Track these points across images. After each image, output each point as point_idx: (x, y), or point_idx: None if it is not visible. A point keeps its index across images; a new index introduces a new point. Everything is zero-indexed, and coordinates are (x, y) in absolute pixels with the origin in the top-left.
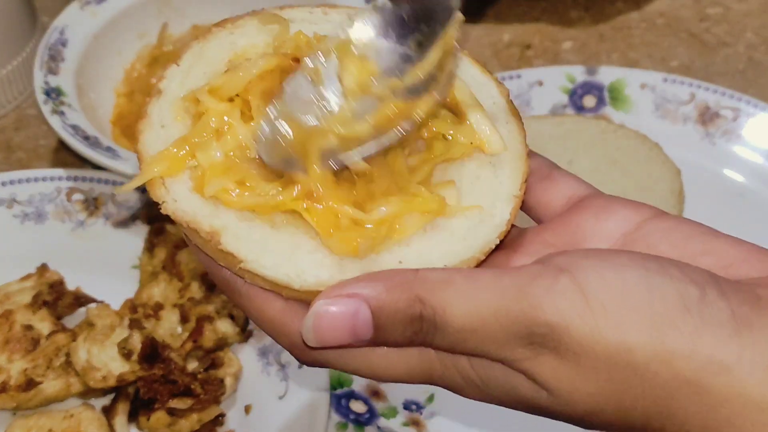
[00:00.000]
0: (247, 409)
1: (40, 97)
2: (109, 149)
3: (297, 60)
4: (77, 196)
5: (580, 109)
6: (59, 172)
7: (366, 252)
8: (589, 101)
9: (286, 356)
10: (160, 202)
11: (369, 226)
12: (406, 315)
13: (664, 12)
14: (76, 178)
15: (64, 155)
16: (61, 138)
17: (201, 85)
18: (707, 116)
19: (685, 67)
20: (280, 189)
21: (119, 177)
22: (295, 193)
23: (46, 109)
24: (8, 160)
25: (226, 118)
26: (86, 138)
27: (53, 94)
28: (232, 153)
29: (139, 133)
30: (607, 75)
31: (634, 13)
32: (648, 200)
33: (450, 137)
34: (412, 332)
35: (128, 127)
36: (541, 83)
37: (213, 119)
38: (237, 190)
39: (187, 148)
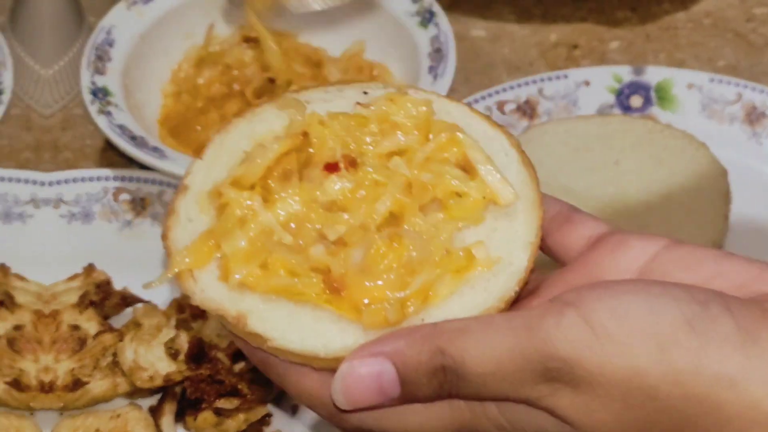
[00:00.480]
0: (294, 409)
1: (87, 97)
2: (156, 149)
3: (306, 134)
4: (124, 196)
5: (627, 109)
6: (106, 172)
7: (396, 322)
8: (636, 101)
9: None
10: (189, 294)
11: (401, 294)
12: (429, 367)
13: (711, 12)
14: (123, 178)
15: (111, 155)
16: (108, 138)
17: (223, 176)
18: (754, 116)
19: (732, 67)
20: (303, 279)
21: (166, 177)
22: (317, 285)
23: (92, 108)
24: (55, 159)
25: (248, 205)
26: (133, 138)
27: (100, 94)
28: (256, 239)
29: (167, 229)
30: (654, 75)
31: (680, 14)
32: (695, 200)
33: (462, 194)
34: (437, 384)
35: (175, 127)
36: (588, 83)
37: (236, 209)
38: (260, 275)
39: (213, 240)
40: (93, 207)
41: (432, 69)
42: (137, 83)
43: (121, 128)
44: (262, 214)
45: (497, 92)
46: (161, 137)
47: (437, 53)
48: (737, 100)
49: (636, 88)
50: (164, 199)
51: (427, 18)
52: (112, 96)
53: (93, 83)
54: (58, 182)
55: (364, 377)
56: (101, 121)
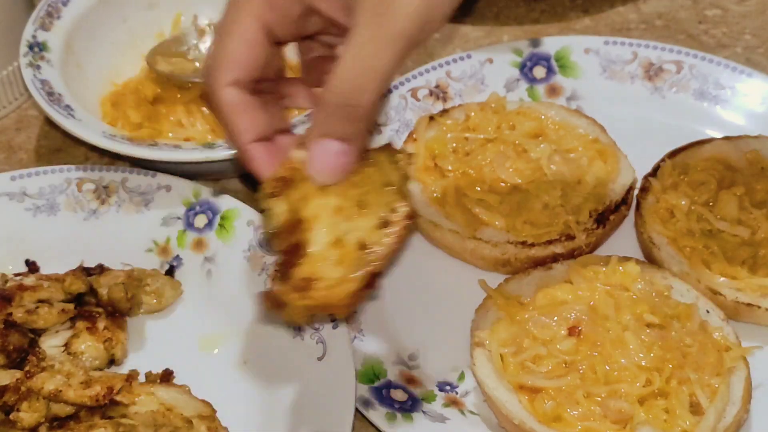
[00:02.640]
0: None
1: (23, 49)
2: (67, 107)
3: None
4: (88, 186)
5: (532, 80)
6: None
7: None
8: (539, 72)
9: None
10: None
11: None
12: None
13: (663, 14)
14: (85, 168)
15: (66, 156)
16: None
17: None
18: (652, 71)
19: None
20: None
21: (128, 166)
22: None
23: (23, 61)
24: (9, 160)
25: None
26: (50, 94)
27: (36, 48)
28: None
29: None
30: (551, 45)
31: (632, 15)
32: None
33: None
34: None
35: (120, 95)
36: (491, 61)
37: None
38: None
39: None
40: (57, 199)
41: None
42: (84, 44)
43: (43, 83)
44: None
45: (408, 80)
46: (102, 102)
47: None
48: (633, 58)
49: (537, 59)
50: (128, 186)
51: None
52: (49, 52)
53: (33, 37)
54: (21, 176)
55: None
56: (26, 74)
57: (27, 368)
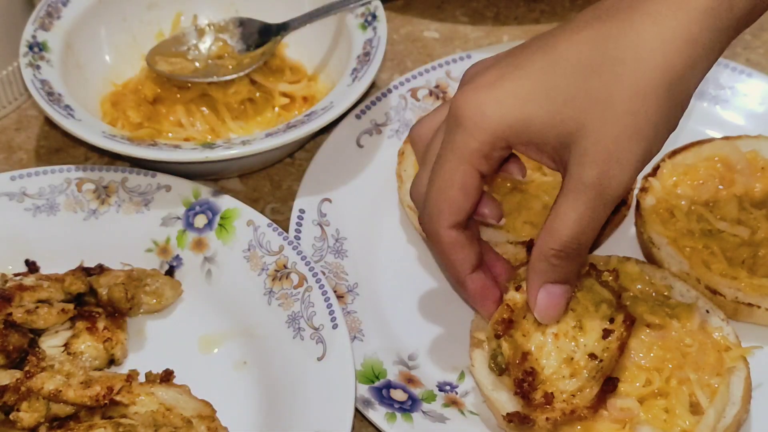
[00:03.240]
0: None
1: (23, 49)
2: (67, 107)
3: None
4: (87, 186)
5: None
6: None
7: None
8: None
9: (318, 319)
10: None
11: None
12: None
13: None
14: (85, 168)
15: (66, 156)
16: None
17: None
18: None
19: None
20: None
21: (128, 166)
22: None
23: (23, 61)
24: (9, 160)
25: None
26: (50, 94)
27: (36, 48)
28: None
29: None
30: None
31: None
32: None
33: None
34: None
35: (120, 95)
36: None
37: None
38: None
39: None
40: (57, 199)
41: (354, 71)
42: (84, 44)
43: (42, 83)
44: None
45: (408, 80)
46: (102, 102)
47: (365, 57)
48: None
49: None
50: (128, 186)
51: (368, 21)
52: (49, 52)
53: (33, 37)
54: (20, 176)
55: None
56: (26, 74)
57: (27, 368)
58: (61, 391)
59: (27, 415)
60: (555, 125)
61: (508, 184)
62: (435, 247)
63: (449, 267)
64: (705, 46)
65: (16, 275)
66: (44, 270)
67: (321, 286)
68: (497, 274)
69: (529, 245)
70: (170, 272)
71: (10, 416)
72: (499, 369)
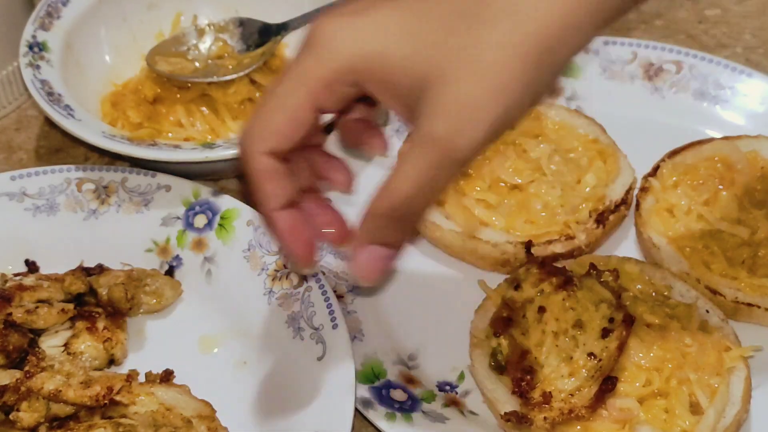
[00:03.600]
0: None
1: (23, 49)
2: (67, 107)
3: None
4: (87, 186)
5: None
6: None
7: None
8: None
9: (318, 319)
10: None
11: None
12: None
13: (663, 14)
14: (85, 168)
15: (65, 156)
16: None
17: None
18: (652, 71)
19: None
20: None
21: (128, 166)
22: None
23: (23, 61)
24: (9, 160)
25: None
26: (50, 94)
27: (36, 48)
28: None
29: None
30: None
31: (632, 15)
32: None
33: None
34: None
35: (120, 95)
36: None
37: None
38: None
39: None
40: (57, 198)
41: None
42: (84, 44)
43: (42, 83)
44: None
45: None
46: (102, 102)
47: None
48: (633, 58)
49: None
50: (128, 186)
51: None
52: (49, 52)
53: (33, 37)
54: (20, 176)
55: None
56: (26, 74)
57: (27, 368)
58: (61, 391)
59: (27, 415)
60: (413, 67)
61: (509, 184)
62: (245, 174)
63: (258, 198)
64: (588, 8)
65: (15, 275)
66: (44, 270)
67: (321, 286)
68: (319, 223)
69: (528, 245)
70: (170, 272)
71: (10, 416)
72: (500, 368)
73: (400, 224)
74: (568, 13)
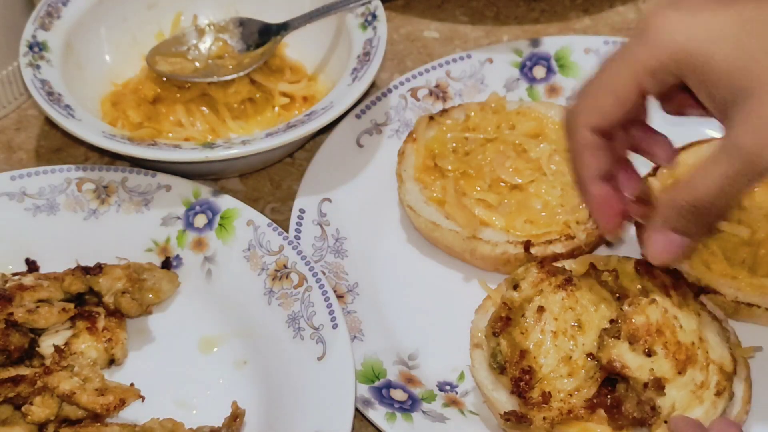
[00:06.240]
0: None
1: (23, 49)
2: (67, 107)
3: None
4: (87, 186)
5: (532, 80)
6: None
7: None
8: (539, 72)
9: (318, 319)
10: None
11: None
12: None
13: None
14: (85, 168)
15: (66, 156)
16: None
17: None
18: None
19: None
20: None
21: (128, 166)
22: None
23: (23, 60)
24: (9, 160)
25: None
26: (50, 94)
27: (36, 48)
28: None
29: None
30: (551, 45)
31: (632, 15)
32: None
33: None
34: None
35: (120, 95)
36: (491, 60)
37: None
38: None
39: None
40: (57, 198)
41: (354, 71)
42: (84, 44)
43: (42, 83)
44: None
45: (408, 80)
46: (102, 102)
47: (365, 56)
48: None
49: (537, 59)
50: (128, 185)
51: (368, 21)
52: (49, 51)
53: (33, 37)
54: (20, 176)
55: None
56: (26, 74)
57: (48, 364)
58: (75, 393)
59: (39, 409)
60: (734, 75)
61: (509, 184)
62: (568, 144)
63: (577, 168)
64: None
65: (14, 275)
66: (44, 270)
67: (321, 286)
68: (629, 193)
69: (527, 245)
70: (166, 264)
71: (22, 408)
72: (500, 367)
73: (699, 218)
74: None
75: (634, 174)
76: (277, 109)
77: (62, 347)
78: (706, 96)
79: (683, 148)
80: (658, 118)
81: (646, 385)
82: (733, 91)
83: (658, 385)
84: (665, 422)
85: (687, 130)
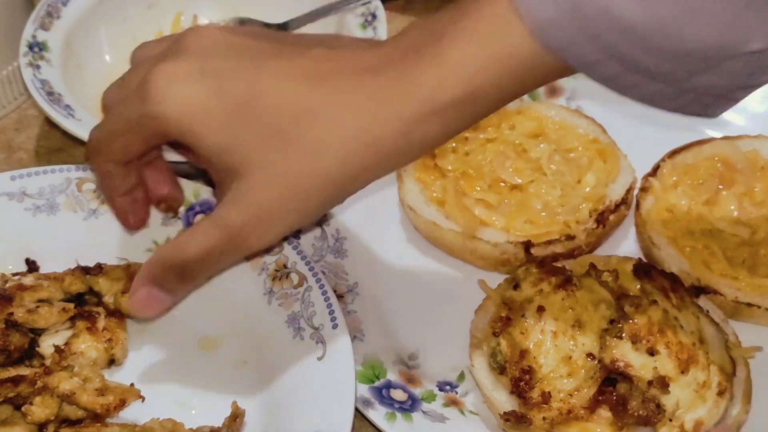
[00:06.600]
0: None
1: (23, 49)
2: (67, 107)
3: None
4: (87, 186)
5: None
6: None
7: None
8: None
9: (318, 319)
10: None
11: None
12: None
13: None
14: (84, 168)
15: (66, 156)
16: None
17: None
18: None
19: None
20: None
21: None
22: None
23: (23, 60)
24: (9, 160)
25: None
26: (50, 94)
27: (36, 48)
28: None
29: None
30: None
31: None
32: None
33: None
34: None
35: None
36: None
37: None
38: None
39: None
40: (57, 198)
41: None
42: (84, 44)
43: (42, 83)
44: None
45: None
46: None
47: None
48: None
49: None
50: None
51: (368, 21)
52: (49, 51)
53: (33, 37)
54: (20, 176)
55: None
56: (26, 74)
57: (48, 364)
58: (75, 393)
59: (39, 409)
60: (223, 155)
61: (509, 184)
62: (93, 169)
63: (103, 188)
64: (388, 151)
65: (14, 275)
66: (44, 270)
67: (321, 286)
68: (159, 196)
69: (528, 245)
70: None
71: (22, 408)
72: (499, 367)
73: (181, 277)
74: (370, 152)
75: (161, 175)
76: None
77: (62, 347)
78: (204, 163)
79: (683, 148)
80: (658, 118)
81: (650, 383)
82: (226, 169)
83: (663, 383)
84: (670, 420)
85: (687, 131)
